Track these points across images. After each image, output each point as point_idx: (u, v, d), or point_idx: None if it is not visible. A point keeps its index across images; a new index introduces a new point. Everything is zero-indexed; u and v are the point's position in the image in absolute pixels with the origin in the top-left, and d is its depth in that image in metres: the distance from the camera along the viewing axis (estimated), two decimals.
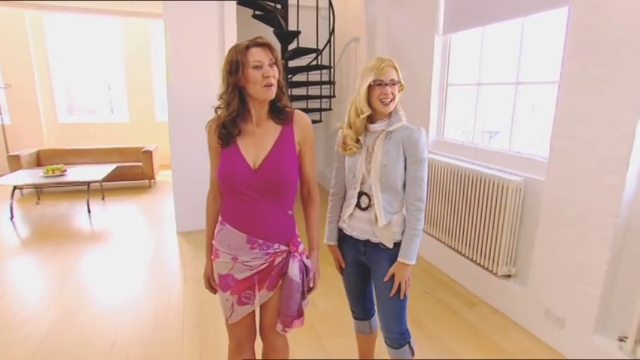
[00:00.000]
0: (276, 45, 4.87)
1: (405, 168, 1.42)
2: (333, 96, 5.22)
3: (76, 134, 6.76)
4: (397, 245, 1.45)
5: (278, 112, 1.30)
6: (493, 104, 3.00)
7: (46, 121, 6.54)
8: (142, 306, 2.65)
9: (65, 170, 4.57)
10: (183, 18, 3.55)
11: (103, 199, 5.14)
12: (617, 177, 1.79)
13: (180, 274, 3.09)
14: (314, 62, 4.85)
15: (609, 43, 1.78)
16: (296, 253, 1.34)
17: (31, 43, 6.15)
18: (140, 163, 5.68)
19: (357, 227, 1.52)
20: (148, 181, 5.86)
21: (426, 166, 1.42)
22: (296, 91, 5.16)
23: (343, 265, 1.65)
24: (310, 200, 1.43)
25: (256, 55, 1.17)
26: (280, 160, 1.25)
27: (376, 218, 1.43)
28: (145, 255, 3.49)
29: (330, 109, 5.36)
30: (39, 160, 5.56)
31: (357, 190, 1.49)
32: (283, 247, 1.32)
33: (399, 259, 1.43)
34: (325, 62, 4.96)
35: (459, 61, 3.16)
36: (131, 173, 5.67)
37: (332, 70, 5.03)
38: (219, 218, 1.33)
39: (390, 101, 1.40)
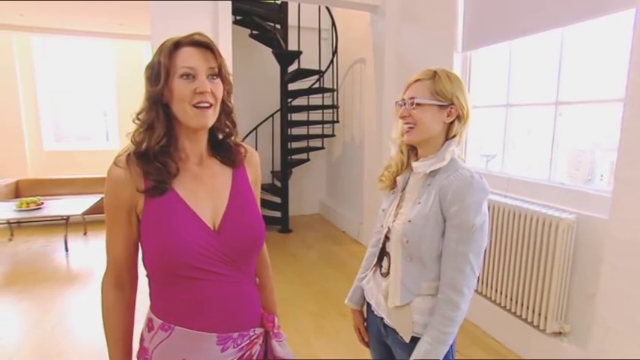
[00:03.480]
0: (274, 66, 4.58)
1: (444, 233, 0.96)
2: (337, 121, 4.90)
3: (63, 163, 6.35)
4: (417, 341, 0.99)
5: (222, 148, 0.90)
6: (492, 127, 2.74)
7: (30, 148, 6.15)
8: None
9: (42, 203, 4.14)
10: None
11: (85, 234, 4.69)
12: None
13: None
14: (316, 85, 4.54)
15: None
16: (275, 330, 0.94)
17: (18, 66, 5.86)
18: None
19: (374, 296, 1.12)
20: None
21: (478, 237, 0.93)
22: (296, 116, 4.84)
23: (366, 339, 1.24)
24: (263, 260, 1.03)
25: (188, 57, 0.78)
26: (246, 214, 0.88)
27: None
28: None
29: (333, 135, 5.02)
30: (18, 190, 5.13)
31: (380, 245, 1.10)
32: (259, 330, 0.91)
33: None
34: (328, 85, 4.65)
35: (481, 80, 2.83)
36: None
37: (335, 93, 4.72)
38: (155, 322, 0.84)
39: (411, 129, 1.00)
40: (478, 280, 2.53)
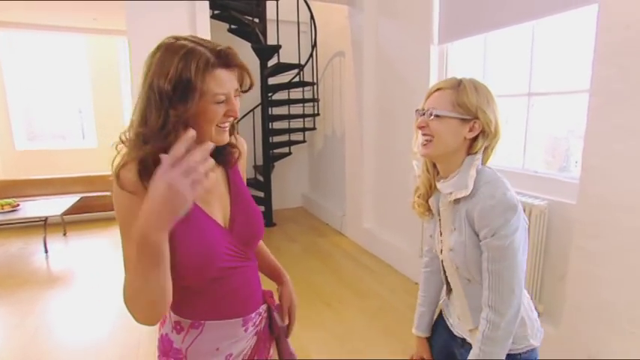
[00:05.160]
0: (254, 60, 4.56)
1: None
2: (317, 114, 4.93)
3: (38, 163, 6.16)
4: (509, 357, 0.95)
5: (218, 150, 0.86)
6: None
7: (1, 148, 5.94)
8: (105, 355, 2.26)
9: (17, 205, 4.03)
10: (149, 34, 3.16)
11: (64, 234, 4.59)
12: None
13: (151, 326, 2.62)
14: (296, 79, 4.55)
15: None
16: (276, 303, 1.06)
17: None
18: (108, 193, 5.13)
19: (451, 316, 1.10)
20: None
21: (510, 254, 0.88)
22: (277, 110, 4.84)
23: None
24: None
25: (224, 82, 0.74)
26: (248, 208, 0.92)
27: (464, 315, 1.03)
28: (111, 302, 3.00)
29: (314, 128, 5.05)
30: None
31: (442, 270, 1.07)
32: (265, 307, 1.00)
33: None
34: (308, 78, 4.67)
35: (458, 73, 2.91)
36: (99, 204, 5.13)
37: (315, 86, 4.74)
38: (184, 323, 0.85)
39: (428, 142, 0.93)
40: None
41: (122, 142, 0.79)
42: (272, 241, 4.26)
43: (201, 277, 0.81)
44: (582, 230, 1.85)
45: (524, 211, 2.06)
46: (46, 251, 3.99)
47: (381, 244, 3.70)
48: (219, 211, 0.86)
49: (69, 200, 4.44)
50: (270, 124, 4.72)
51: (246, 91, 0.82)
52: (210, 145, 0.63)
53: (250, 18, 4.27)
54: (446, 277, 1.07)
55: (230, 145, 0.89)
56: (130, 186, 0.72)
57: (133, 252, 0.68)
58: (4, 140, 5.99)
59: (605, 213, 1.74)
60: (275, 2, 4.25)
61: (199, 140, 0.73)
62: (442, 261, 1.04)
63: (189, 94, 0.71)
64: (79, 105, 6.68)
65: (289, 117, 4.77)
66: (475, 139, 0.94)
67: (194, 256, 0.78)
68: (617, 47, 1.64)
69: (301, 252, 3.98)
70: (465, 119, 0.92)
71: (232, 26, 4.31)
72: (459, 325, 1.06)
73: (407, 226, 3.28)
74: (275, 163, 4.97)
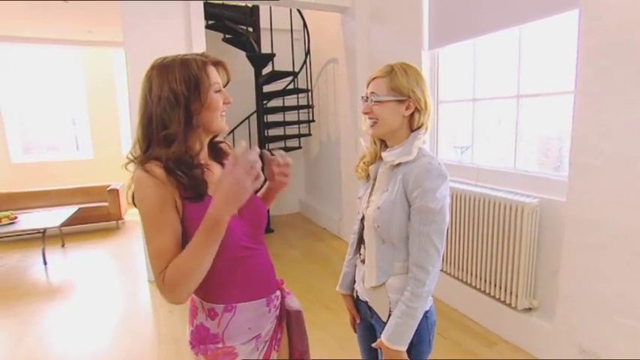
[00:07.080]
0: (248, 69, 4.63)
1: (410, 217, 1.04)
2: (312, 120, 4.99)
3: (34, 175, 6.16)
4: None
5: (214, 149, 1.04)
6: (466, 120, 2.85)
7: None
8: None
9: (15, 217, 4.04)
10: (146, 45, 3.22)
11: (63, 245, 4.60)
12: None
13: (153, 333, 2.65)
14: (290, 86, 4.62)
15: (634, 44, 1.59)
16: (287, 290, 1.14)
17: None
18: (106, 203, 5.18)
19: (358, 282, 1.21)
20: (115, 222, 5.34)
21: (439, 219, 1.00)
22: (272, 118, 4.90)
23: (357, 320, 1.30)
24: None
25: (216, 75, 0.92)
26: (251, 198, 0.98)
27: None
28: (112, 310, 3.02)
29: (309, 134, 5.12)
30: None
31: (358, 232, 1.21)
32: (279, 292, 1.10)
33: (382, 337, 1.04)
34: (302, 85, 4.74)
35: (449, 76, 2.98)
36: (96, 215, 5.15)
37: (310, 93, 4.81)
38: (217, 309, 0.93)
39: (374, 123, 1.09)
40: (455, 266, 2.69)
41: (131, 160, 0.88)
42: (270, 247, 4.21)
43: (225, 254, 0.88)
44: (572, 226, 1.91)
45: (517, 209, 2.14)
46: (45, 263, 3.99)
47: None
48: None
49: (67, 212, 4.45)
50: (265, 131, 4.78)
51: (225, 85, 0.97)
52: (257, 150, 0.78)
53: (244, 27, 4.34)
54: (360, 240, 1.20)
55: (219, 142, 1.04)
56: (160, 177, 0.82)
57: (166, 241, 0.81)
58: (0, 153, 5.99)
59: (594, 208, 1.80)
60: (268, 11, 4.32)
61: (210, 130, 0.92)
62: (362, 222, 1.17)
63: (201, 88, 0.85)
64: (72, 116, 6.69)
65: (284, 124, 4.83)
66: (412, 115, 1.08)
67: None
68: (598, 50, 1.71)
69: (300, 257, 4.02)
70: (400, 100, 1.06)
71: (227, 36, 4.38)
72: (362, 290, 1.18)
73: None
74: None
